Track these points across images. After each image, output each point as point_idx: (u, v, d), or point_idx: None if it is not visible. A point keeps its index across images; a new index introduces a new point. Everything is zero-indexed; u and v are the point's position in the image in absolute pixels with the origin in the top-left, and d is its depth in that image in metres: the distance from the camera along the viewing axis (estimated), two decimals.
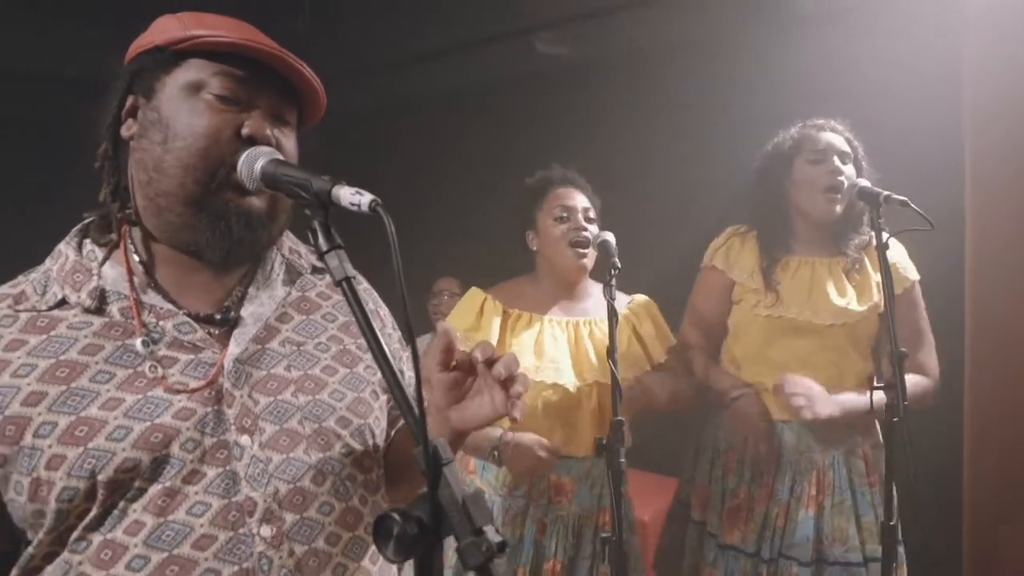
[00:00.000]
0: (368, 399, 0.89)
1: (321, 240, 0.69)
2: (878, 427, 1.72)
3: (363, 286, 1.00)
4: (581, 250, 1.69)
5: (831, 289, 1.72)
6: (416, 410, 0.64)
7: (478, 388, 0.85)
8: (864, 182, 1.60)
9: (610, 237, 1.62)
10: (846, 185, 1.68)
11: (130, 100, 0.84)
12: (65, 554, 0.76)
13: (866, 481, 1.72)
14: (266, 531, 0.77)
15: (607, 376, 1.65)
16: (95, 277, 0.82)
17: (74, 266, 0.83)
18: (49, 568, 0.77)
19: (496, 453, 1.64)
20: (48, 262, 0.85)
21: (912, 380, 1.65)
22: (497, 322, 1.73)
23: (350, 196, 0.67)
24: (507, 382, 0.82)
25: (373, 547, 0.85)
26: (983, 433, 2.30)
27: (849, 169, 1.72)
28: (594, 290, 1.78)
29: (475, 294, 1.77)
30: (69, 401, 0.76)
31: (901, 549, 1.65)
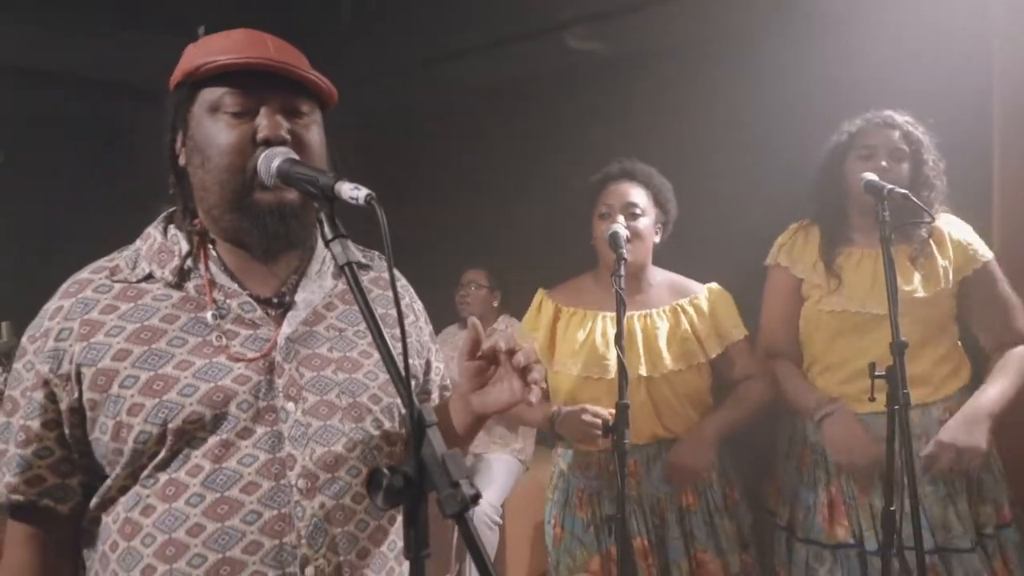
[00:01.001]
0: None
1: (326, 229, 0.79)
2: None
3: (401, 283, 1.11)
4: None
5: (897, 279, 1.65)
6: (405, 384, 0.73)
7: (499, 376, 0.96)
8: (871, 175, 1.62)
9: (620, 230, 1.69)
10: (867, 177, 1.64)
11: (177, 134, 0.97)
12: (136, 488, 0.89)
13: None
14: (302, 484, 0.89)
15: (658, 369, 1.75)
16: (177, 258, 0.95)
17: (160, 247, 0.97)
18: (122, 499, 0.90)
19: (552, 422, 1.74)
20: (138, 242, 0.99)
21: (1018, 354, 1.71)
22: (548, 319, 1.84)
23: (349, 191, 0.76)
24: (525, 370, 0.93)
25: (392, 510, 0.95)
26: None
27: (902, 168, 1.70)
28: (657, 279, 1.85)
29: (538, 295, 1.90)
30: (149, 360, 0.89)
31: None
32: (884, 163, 1.69)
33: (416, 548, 0.72)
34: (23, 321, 0.99)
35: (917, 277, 1.71)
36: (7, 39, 3.70)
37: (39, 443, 0.91)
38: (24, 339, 0.95)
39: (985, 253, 1.75)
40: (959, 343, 1.81)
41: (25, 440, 0.91)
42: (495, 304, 3.01)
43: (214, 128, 0.92)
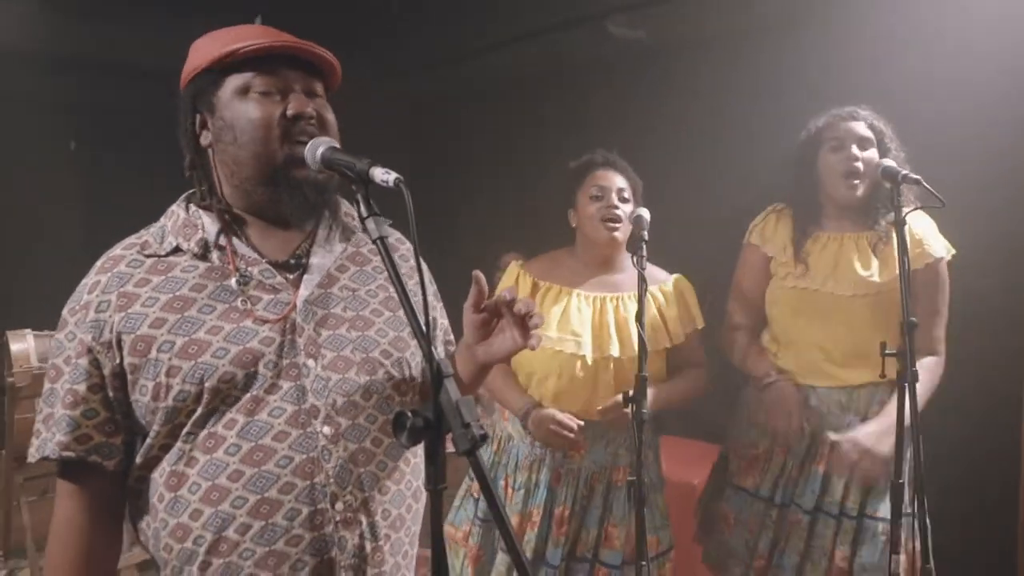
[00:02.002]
0: (406, 337, 1.11)
1: (362, 208, 0.91)
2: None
3: (406, 246, 1.21)
4: (613, 224, 1.85)
5: (856, 262, 1.82)
6: (426, 340, 0.84)
7: (501, 328, 1.07)
8: (888, 162, 1.69)
9: (644, 213, 1.77)
10: (862, 169, 1.80)
11: (198, 117, 1.08)
12: (178, 444, 1.00)
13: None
14: (327, 430, 1.01)
15: (626, 351, 1.83)
16: (200, 231, 1.06)
17: (184, 222, 1.08)
18: (166, 456, 1.01)
19: (526, 418, 1.85)
20: (163, 219, 1.11)
21: (925, 363, 1.77)
22: (525, 292, 1.91)
23: (381, 174, 0.88)
24: (525, 318, 1.03)
25: (405, 450, 1.08)
26: None
27: (870, 154, 1.82)
28: (628, 264, 1.93)
29: (512, 267, 1.98)
30: (183, 326, 1.00)
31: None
32: (855, 150, 1.80)
33: (435, 481, 0.84)
34: None
35: (875, 264, 1.82)
36: (73, 33, 3.94)
37: (86, 405, 1.00)
38: (65, 312, 1.04)
39: (937, 252, 1.82)
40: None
41: (73, 402, 1.00)
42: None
43: (244, 107, 1.03)
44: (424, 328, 0.84)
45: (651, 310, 1.89)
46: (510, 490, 1.90)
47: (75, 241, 4.27)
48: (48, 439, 1.01)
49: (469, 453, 0.80)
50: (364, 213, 0.90)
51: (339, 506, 1.00)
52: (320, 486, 0.99)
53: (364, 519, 1.02)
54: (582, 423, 1.80)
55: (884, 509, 1.78)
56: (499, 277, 3.08)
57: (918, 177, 1.57)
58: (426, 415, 0.82)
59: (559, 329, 1.85)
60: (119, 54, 4.23)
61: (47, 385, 1.03)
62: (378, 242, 0.89)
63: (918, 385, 1.53)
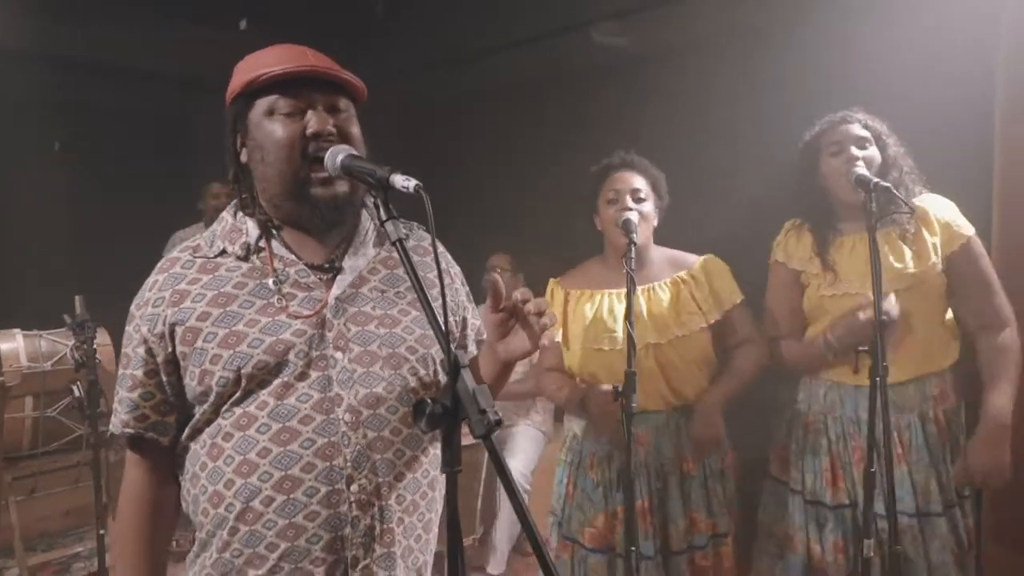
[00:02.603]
0: (431, 336, 1.18)
1: (382, 212, 0.98)
2: (952, 394, 1.88)
3: (440, 249, 1.27)
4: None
5: (889, 256, 1.82)
6: (445, 336, 0.92)
7: (517, 328, 1.15)
8: (860, 170, 1.77)
9: (632, 216, 1.86)
10: (861, 169, 1.80)
11: (238, 137, 1.17)
12: (218, 420, 1.11)
13: (938, 441, 1.85)
14: (348, 418, 1.09)
15: (664, 335, 1.92)
16: (244, 235, 1.16)
17: (231, 227, 1.18)
18: (207, 429, 1.12)
19: (579, 403, 1.92)
20: (215, 225, 1.21)
21: (1003, 338, 1.82)
22: (560, 304, 2.02)
23: (402, 181, 0.95)
24: (537, 317, 1.11)
25: (424, 441, 1.16)
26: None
27: (870, 152, 1.86)
28: (657, 255, 2.02)
29: (550, 285, 2.08)
30: (225, 319, 1.10)
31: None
32: (854, 151, 1.85)
33: (451, 464, 0.91)
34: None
35: (908, 254, 1.83)
36: (54, 32, 3.94)
37: (143, 388, 1.14)
38: (132, 307, 1.17)
39: (968, 229, 1.85)
40: (949, 320, 1.91)
41: (132, 386, 1.14)
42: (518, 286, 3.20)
43: (270, 127, 1.12)
44: (442, 323, 0.91)
45: (682, 294, 1.97)
46: (571, 487, 1.99)
47: (62, 242, 4.26)
48: (115, 419, 1.17)
49: (485, 437, 0.87)
50: (384, 216, 0.98)
51: (354, 488, 1.08)
52: (338, 468, 1.08)
53: (377, 502, 1.10)
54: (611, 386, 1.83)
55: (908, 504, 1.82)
56: (486, 279, 3.18)
57: (888, 184, 1.67)
58: (444, 402, 0.90)
59: (595, 327, 1.95)
60: (102, 54, 4.23)
61: (119, 371, 1.18)
62: (397, 244, 0.96)
63: (999, 355, 1.69)
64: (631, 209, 1.91)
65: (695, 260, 2.03)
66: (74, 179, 4.35)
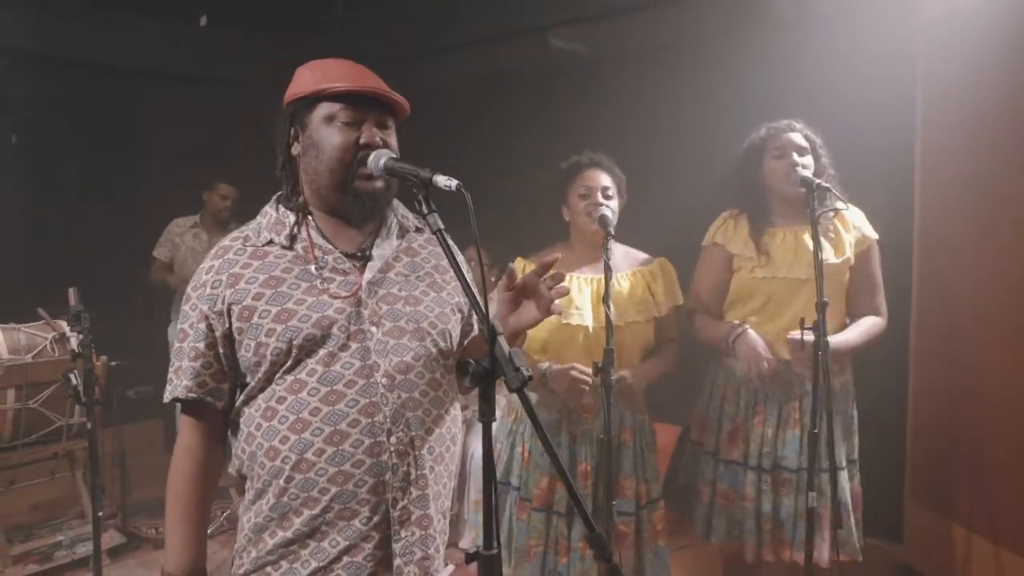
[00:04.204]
0: (448, 313, 1.38)
1: (424, 207, 1.17)
2: (846, 371, 2.22)
3: (448, 242, 1.46)
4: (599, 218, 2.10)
5: (811, 249, 2.09)
6: (484, 308, 1.11)
7: (526, 302, 1.35)
8: (805, 172, 2.06)
9: (607, 212, 2.08)
10: (805, 171, 2.13)
11: (293, 131, 1.34)
12: (272, 386, 1.28)
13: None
14: (384, 381, 1.27)
15: (621, 319, 2.12)
16: (287, 227, 1.33)
17: (275, 220, 1.35)
18: (261, 395, 1.29)
19: (544, 379, 2.10)
20: (259, 218, 1.37)
21: (869, 321, 2.20)
22: None
23: (444, 180, 1.14)
24: (551, 280, 1.32)
25: (447, 402, 1.36)
26: (926, 378, 2.77)
27: (807, 160, 2.17)
28: (618, 249, 2.21)
29: (518, 262, 2.23)
30: (276, 299, 1.27)
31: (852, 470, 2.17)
32: (796, 157, 2.15)
33: (486, 415, 1.10)
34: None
35: (828, 248, 2.18)
36: (17, 25, 3.94)
37: (203, 359, 1.30)
38: (188, 288, 1.34)
39: (873, 235, 2.23)
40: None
41: (194, 356, 1.30)
42: (492, 279, 3.40)
43: (328, 132, 1.30)
44: (479, 297, 1.10)
45: (640, 285, 2.18)
46: (526, 455, 2.18)
47: (19, 235, 4.23)
48: (178, 385, 1.31)
49: (519, 390, 1.07)
50: (426, 211, 1.16)
51: (393, 440, 1.27)
52: (379, 423, 1.26)
53: (412, 452, 1.29)
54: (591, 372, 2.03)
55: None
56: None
57: (828, 185, 1.96)
58: (483, 363, 1.09)
59: (564, 303, 2.11)
60: (67, 50, 4.23)
61: (176, 345, 1.33)
62: (438, 233, 1.16)
63: (861, 323, 2.06)
64: (605, 205, 2.12)
65: (646, 257, 2.26)
66: (27, 174, 4.33)
